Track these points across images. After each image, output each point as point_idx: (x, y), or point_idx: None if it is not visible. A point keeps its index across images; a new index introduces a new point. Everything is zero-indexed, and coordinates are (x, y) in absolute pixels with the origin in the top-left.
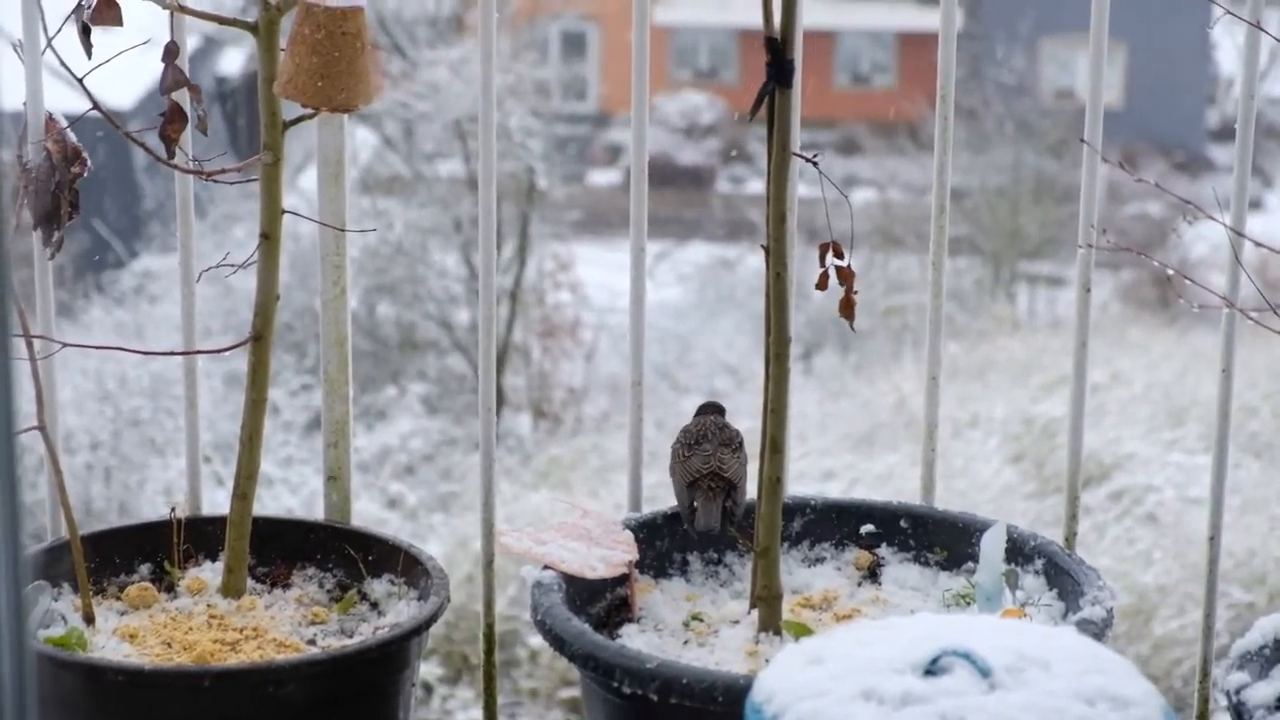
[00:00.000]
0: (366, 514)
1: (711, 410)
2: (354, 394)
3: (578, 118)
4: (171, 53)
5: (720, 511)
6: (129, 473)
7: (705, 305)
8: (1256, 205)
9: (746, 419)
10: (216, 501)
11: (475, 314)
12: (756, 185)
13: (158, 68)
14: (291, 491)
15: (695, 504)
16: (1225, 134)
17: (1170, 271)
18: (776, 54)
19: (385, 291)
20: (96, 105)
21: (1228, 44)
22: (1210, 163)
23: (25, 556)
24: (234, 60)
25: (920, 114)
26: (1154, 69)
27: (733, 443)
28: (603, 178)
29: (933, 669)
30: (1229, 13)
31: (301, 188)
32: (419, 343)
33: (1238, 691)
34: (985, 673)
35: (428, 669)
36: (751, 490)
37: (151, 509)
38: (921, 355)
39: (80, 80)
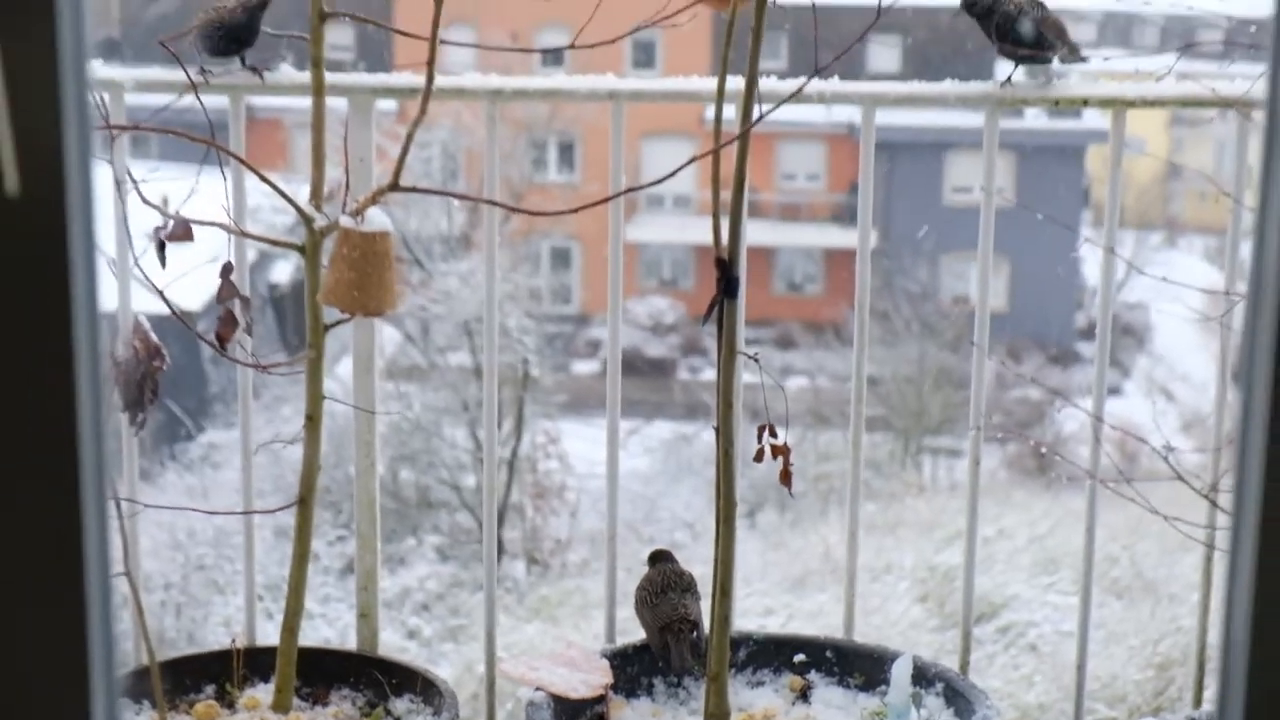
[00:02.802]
0: (389, 643)
1: (664, 559)
2: (379, 545)
3: (563, 318)
4: (226, 270)
5: (690, 649)
6: (195, 608)
7: (668, 472)
8: (1116, 391)
9: (700, 565)
10: (267, 632)
11: (480, 479)
12: (709, 374)
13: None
14: (329, 624)
15: (669, 644)
16: (1091, 333)
17: (1044, 449)
18: (725, 271)
19: (406, 460)
20: (175, 313)
21: (1092, 260)
22: (1079, 355)
23: (118, 680)
24: (284, 270)
25: (843, 315)
26: (1032, 280)
27: (691, 588)
28: (584, 367)
29: None
30: (1088, 240)
31: (337, 374)
32: (433, 502)
33: None
34: None
35: None
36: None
37: (214, 638)
38: (845, 514)
39: (161, 292)
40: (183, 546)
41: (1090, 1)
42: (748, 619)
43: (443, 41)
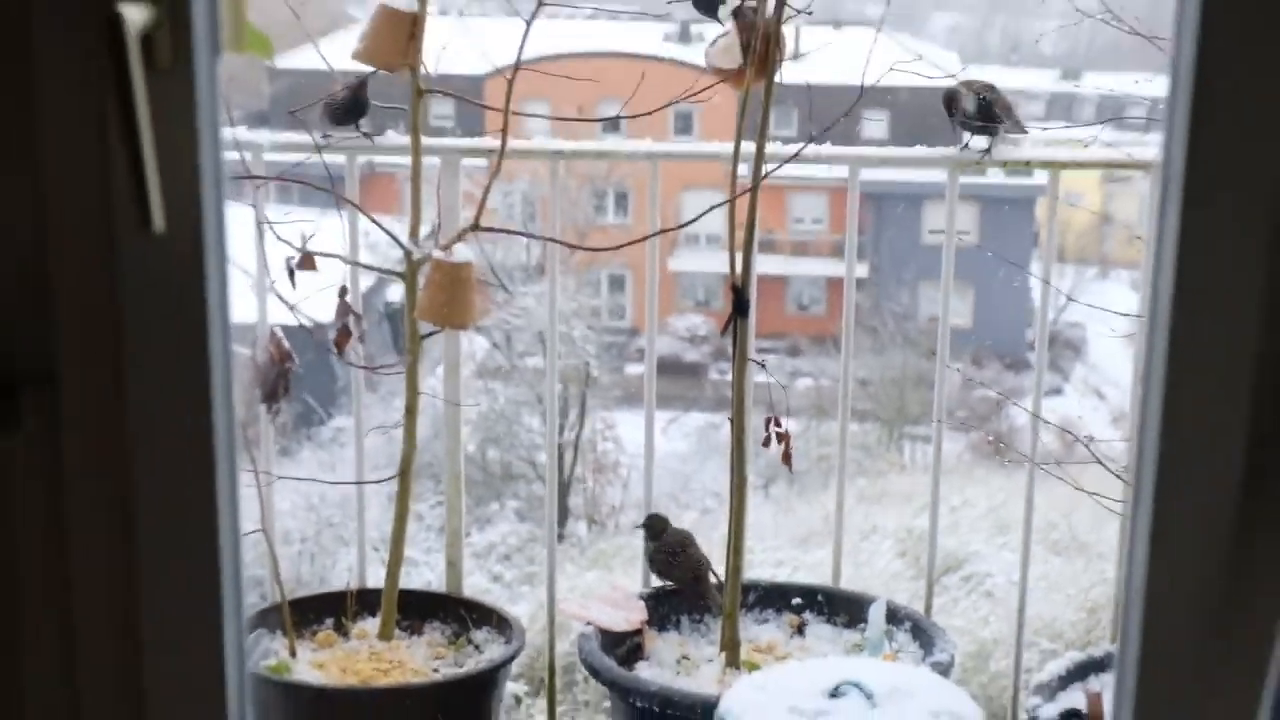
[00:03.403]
0: (478, 586)
1: (664, 525)
2: (469, 507)
3: (618, 330)
4: (342, 293)
5: (717, 590)
6: (325, 557)
7: (701, 453)
8: (1058, 392)
9: (723, 527)
10: (378, 577)
11: (552, 457)
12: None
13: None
14: (430, 569)
15: (705, 588)
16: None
17: (990, 438)
18: (737, 294)
19: (493, 441)
20: (303, 325)
21: (1038, 287)
22: (1028, 363)
23: (244, 616)
24: (397, 291)
25: (840, 329)
26: (991, 303)
27: (694, 541)
28: (634, 369)
29: (836, 693)
30: (1029, 274)
31: (438, 374)
32: (514, 474)
33: (1034, 710)
34: (870, 697)
35: (517, 687)
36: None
37: (340, 582)
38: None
39: (292, 308)
40: (315, 508)
41: (1039, 83)
42: (763, 569)
43: (514, 113)
